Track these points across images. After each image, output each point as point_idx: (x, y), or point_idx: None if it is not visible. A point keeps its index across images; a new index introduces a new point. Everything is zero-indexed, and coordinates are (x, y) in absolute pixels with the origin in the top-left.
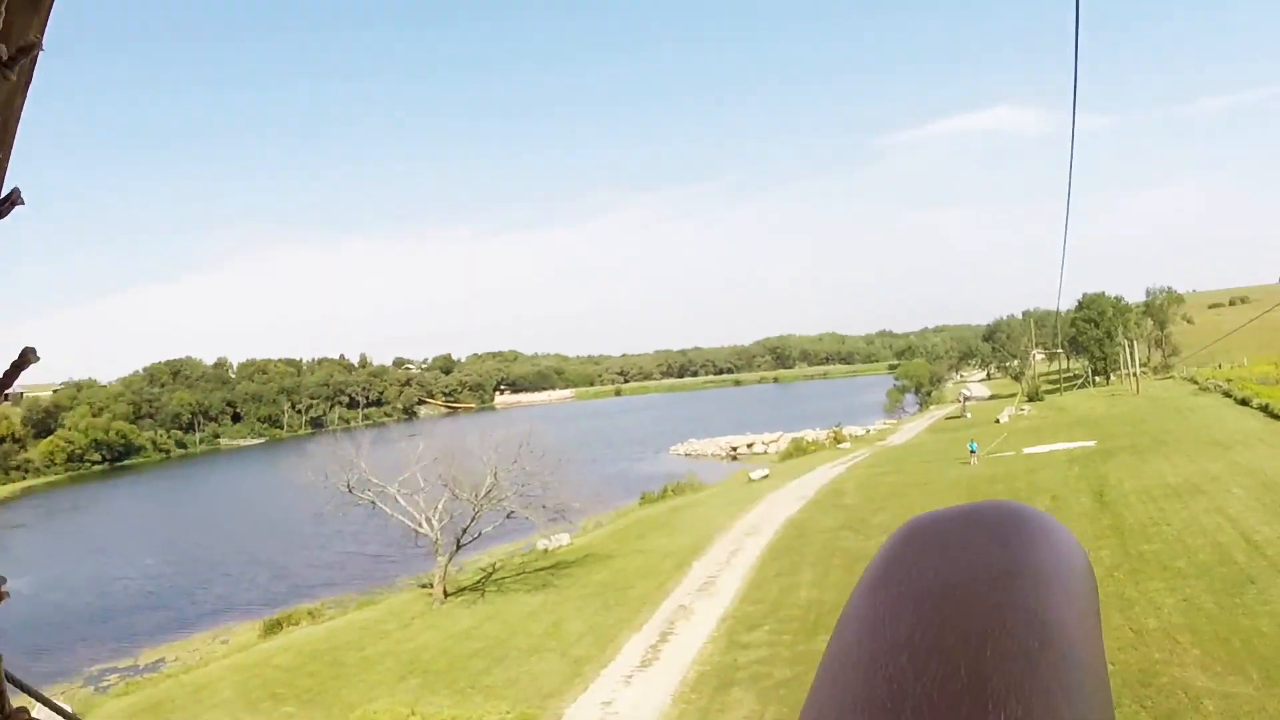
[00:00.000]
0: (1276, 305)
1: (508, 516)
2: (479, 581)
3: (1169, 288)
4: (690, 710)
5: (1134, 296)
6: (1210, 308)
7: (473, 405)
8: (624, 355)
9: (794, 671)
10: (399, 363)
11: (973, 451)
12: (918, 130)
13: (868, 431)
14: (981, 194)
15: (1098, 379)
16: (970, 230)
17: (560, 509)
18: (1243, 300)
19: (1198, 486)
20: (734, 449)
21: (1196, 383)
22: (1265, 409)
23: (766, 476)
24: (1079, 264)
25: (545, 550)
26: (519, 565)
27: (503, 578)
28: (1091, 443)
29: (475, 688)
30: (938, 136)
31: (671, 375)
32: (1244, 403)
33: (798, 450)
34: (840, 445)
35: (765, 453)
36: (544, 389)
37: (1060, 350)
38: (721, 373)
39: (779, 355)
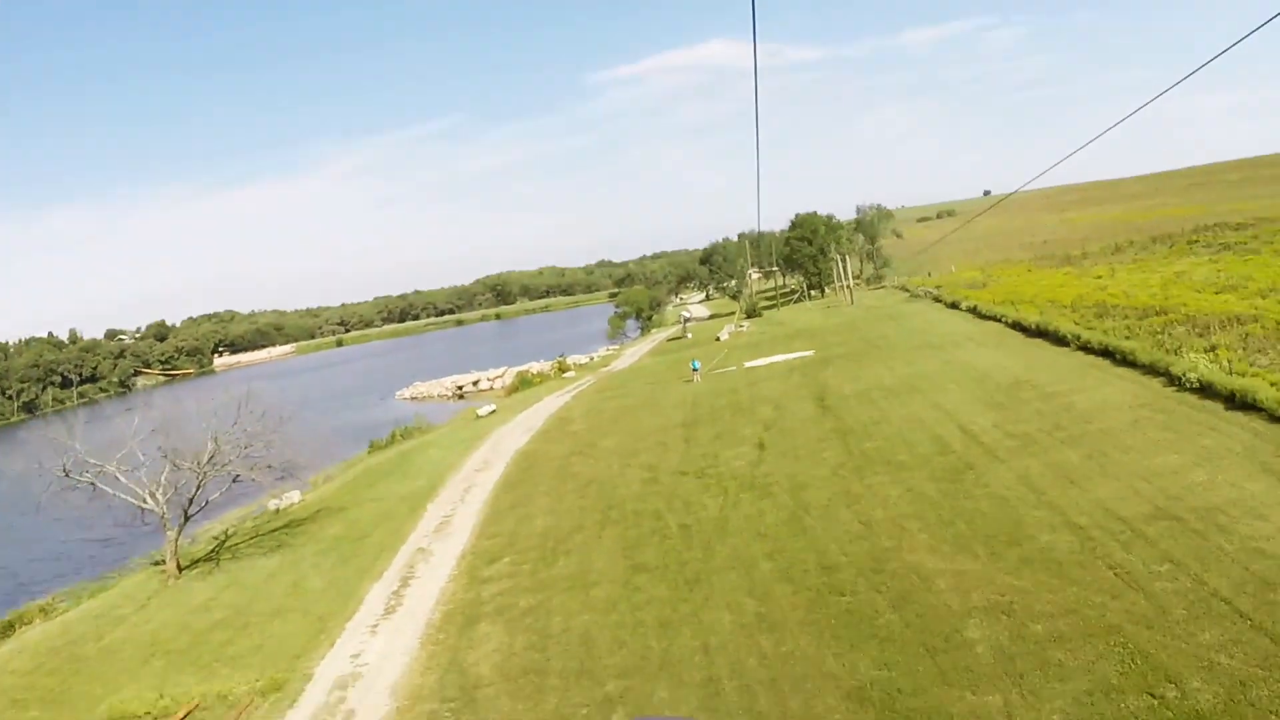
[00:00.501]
0: (977, 215)
1: (234, 481)
2: (213, 551)
3: (878, 204)
4: (440, 650)
5: (848, 216)
6: (919, 221)
7: (191, 371)
8: (344, 305)
9: (537, 599)
10: (111, 334)
11: (695, 369)
12: (634, 66)
13: (591, 359)
14: (696, 126)
15: (813, 293)
16: (687, 160)
17: (287, 467)
18: (949, 214)
19: (914, 386)
20: (460, 388)
21: (908, 290)
22: (974, 310)
23: (494, 412)
24: (798, 188)
25: (277, 510)
26: (252, 529)
27: (237, 544)
28: (810, 352)
29: (220, 660)
30: (653, 71)
31: (393, 320)
32: (953, 306)
33: (523, 384)
34: (565, 375)
35: (491, 389)
36: (264, 347)
37: (776, 268)
38: (443, 314)
39: (500, 292)
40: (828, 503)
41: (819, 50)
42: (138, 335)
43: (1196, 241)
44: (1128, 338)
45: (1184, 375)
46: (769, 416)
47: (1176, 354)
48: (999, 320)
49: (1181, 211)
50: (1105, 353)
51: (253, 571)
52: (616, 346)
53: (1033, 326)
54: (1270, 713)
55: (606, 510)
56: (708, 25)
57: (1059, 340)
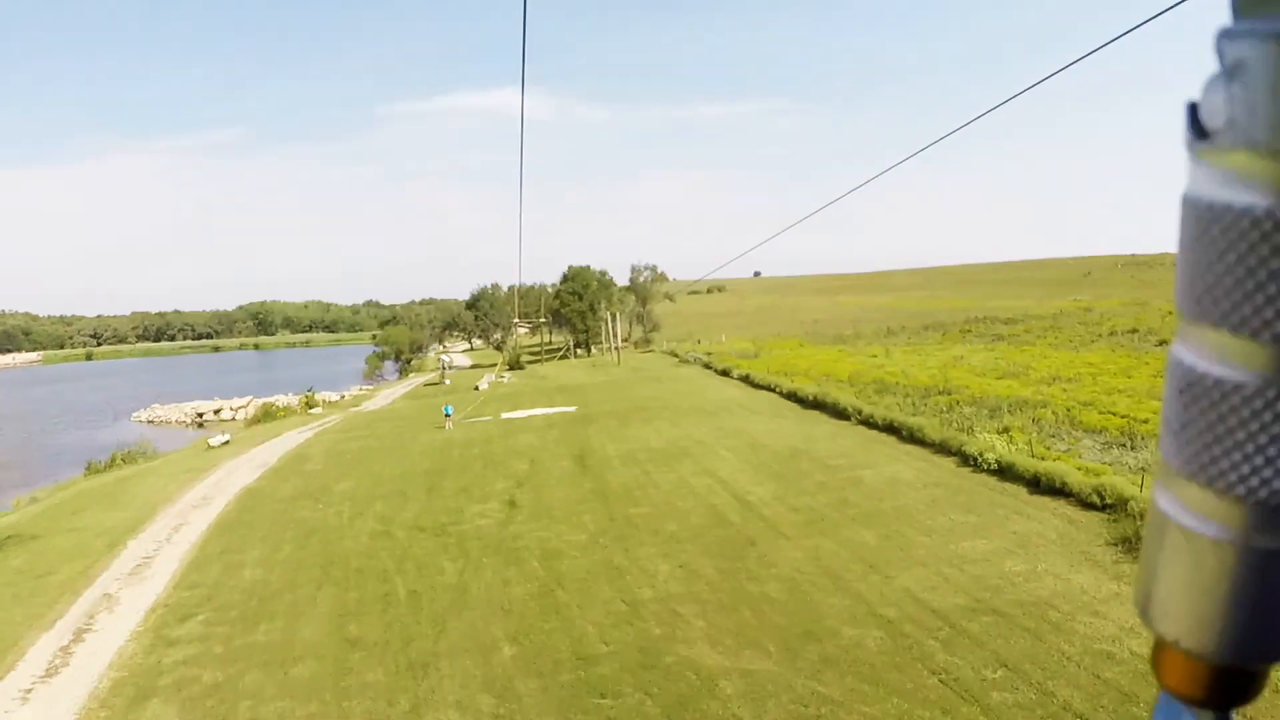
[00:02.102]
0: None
1: None
2: None
3: (653, 265)
4: None
5: (621, 277)
6: (690, 293)
7: None
8: (99, 316)
9: (227, 673)
10: None
11: (447, 415)
12: (426, 103)
13: (343, 397)
14: (479, 171)
15: (579, 351)
16: (466, 205)
17: None
18: (720, 290)
19: (684, 450)
20: (200, 415)
21: (677, 355)
22: (746, 379)
23: (227, 443)
24: (573, 244)
25: None
26: None
27: None
28: (572, 409)
29: None
30: (442, 111)
31: (148, 339)
32: (725, 373)
33: (266, 416)
34: (311, 410)
35: (234, 419)
36: (8, 351)
37: (544, 321)
38: (201, 338)
39: (261, 321)
40: (586, 575)
41: (608, 111)
42: None
43: (970, 331)
44: (914, 414)
45: (980, 455)
46: (523, 472)
47: (969, 433)
48: (772, 390)
49: (950, 304)
50: (890, 429)
51: None
52: (371, 387)
53: (809, 398)
54: None
55: (327, 566)
56: (502, 72)
57: (838, 413)
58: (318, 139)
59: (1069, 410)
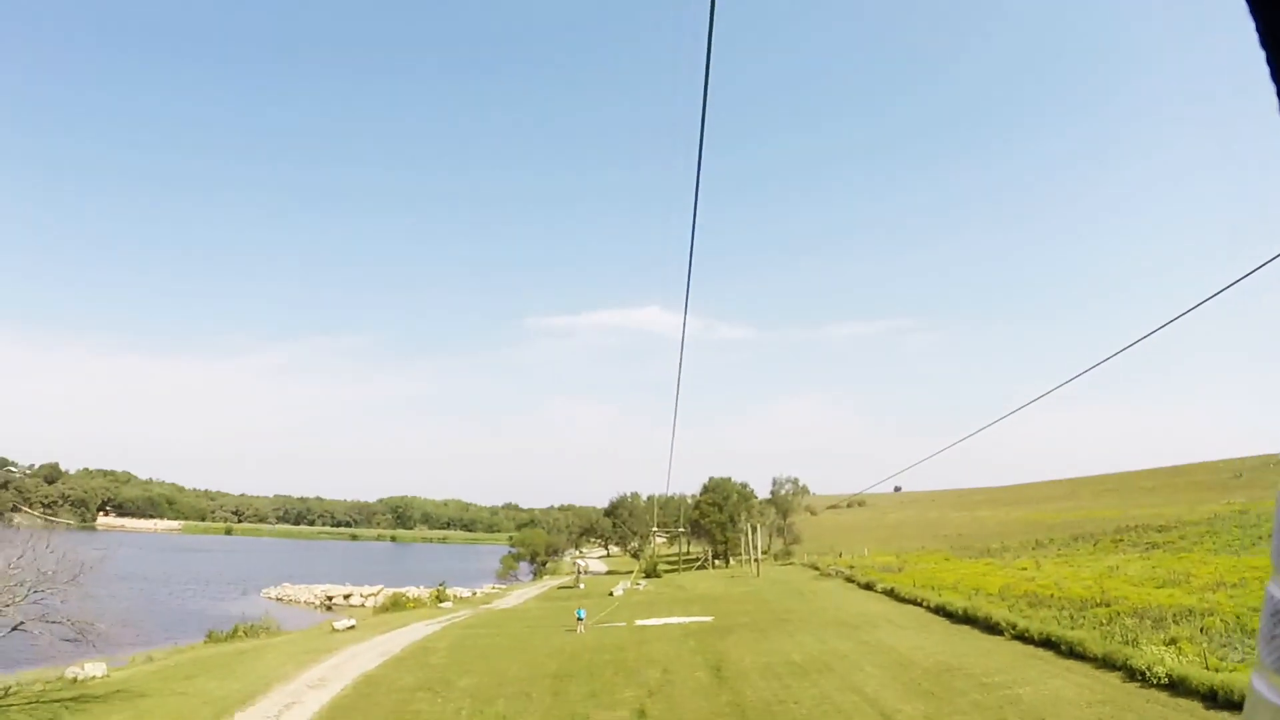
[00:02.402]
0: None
1: (14, 629)
2: None
3: (795, 478)
4: None
5: (761, 490)
6: (829, 508)
7: (71, 523)
8: (242, 495)
9: None
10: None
11: (580, 618)
12: (571, 317)
13: (475, 594)
14: (621, 385)
15: (717, 562)
16: (606, 419)
17: (82, 629)
18: (860, 504)
19: (827, 664)
20: (330, 598)
21: (818, 569)
22: (891, 592)
23: (352, 628)
24: (713, 461)
25: (74, 679)
26: (36, 694)
27: (9, 704)
28: (709, 618)
29: None
30: (588, 326)
31: (288, 521)
32: (868, 587)
33: (395, 605)
34: (441, 604)
35: (363, 605)
36: (152, 517)
37: (683, 531)
38: (340, 525)
39: (400, 515)
40: None
41: (749, 330)
42: (29, 471)
43: (1121, 540)
44: (1071, 627)
45: (1148, 668)
46: (655, 680)
47: (1133, 645)
48: (919, 603)
49: (1095, 514)
50: (1047, 643)
51: None
52: (504, 586)
53: (959, 612)
54: None
55: None
56: (649, 292)
57: (990, 628)
58: (458, 347)
59: (1238, 617)
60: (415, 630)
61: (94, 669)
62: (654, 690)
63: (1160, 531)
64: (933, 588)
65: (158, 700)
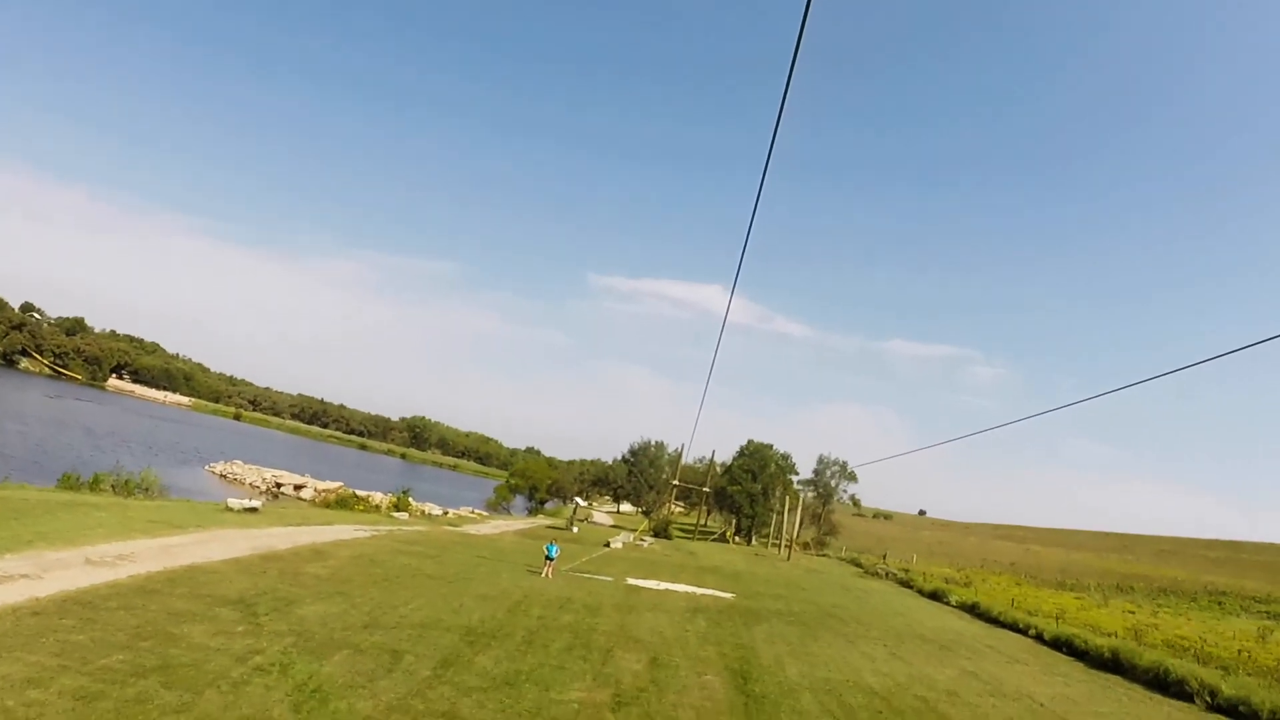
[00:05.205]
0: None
1: None
2: None
3: (844, 461)
4: None
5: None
6: (854, 515)
7: (79, 377)
8: (267, 388)
9: None
10: (26, 307)
11: (550, 557)
12: (632, 282)
13: (446, 513)
14: (672, 358)
15: (738, 539)
16: (653, 389)
17: None
18: (886, 517)
19: (927, 703)
20: (279, 485)
21: (861, 565)
22: (973, 609)
23: (253, 510)
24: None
25: None
26: None
27: None
28: (729, 595)
29: None
30: (648, 294)
31: (303, 420)
32: (934, 596)
33: (341, 503)
34: (396, 514)
35: (312, 501)
36: (165, 389)
37: (706, 492)
38: (352, 434)
39: (417, 435)
40: None
41: (808, 329)
42: (51, 322)
43: (1222, 603)
44: None
45: None
46: (633, 675)
47: None
48: (1023, 631)
49: (1155, 571)
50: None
51: None
52: (486, 514)
53: (1105, 653)
54: None
55: None
56: (715, 270)
57: (1159, 683)
58: (526, 292)
59: None
60: (332, 531)
61: None
62: (626, 691)
63: (1261, 602)
64: (1029, 612)
65: None
